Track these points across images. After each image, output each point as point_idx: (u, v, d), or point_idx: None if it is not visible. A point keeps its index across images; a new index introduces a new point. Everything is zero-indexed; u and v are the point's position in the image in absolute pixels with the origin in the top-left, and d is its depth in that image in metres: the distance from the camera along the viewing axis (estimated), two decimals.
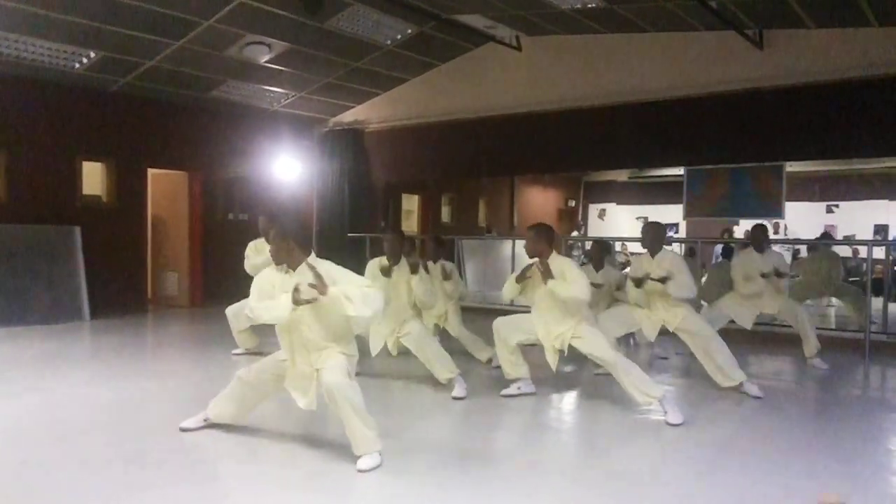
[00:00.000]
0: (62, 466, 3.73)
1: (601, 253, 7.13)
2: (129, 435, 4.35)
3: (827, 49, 7.98)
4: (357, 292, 3.78)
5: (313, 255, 4.00)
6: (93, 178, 9.65)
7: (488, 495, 3.46)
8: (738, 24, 7.95)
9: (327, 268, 3.93)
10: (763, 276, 6.45)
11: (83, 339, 7.97)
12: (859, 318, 8.04)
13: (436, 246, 7.01)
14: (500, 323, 5.42)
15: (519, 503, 3.38)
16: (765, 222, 7.09)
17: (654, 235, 5.77)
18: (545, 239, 5.15)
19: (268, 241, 4.79)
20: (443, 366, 5.41)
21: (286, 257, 3.96)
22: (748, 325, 6.65)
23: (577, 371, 6.37)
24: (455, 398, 5.26)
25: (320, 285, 3.76)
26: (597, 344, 5.02)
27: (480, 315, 9.52)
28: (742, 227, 12.74)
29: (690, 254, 9.52)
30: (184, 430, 4.32)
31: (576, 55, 9.63)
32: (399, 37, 9.35)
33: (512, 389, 5.37)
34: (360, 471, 3.68)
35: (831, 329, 8.39)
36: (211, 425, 4.34)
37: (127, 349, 7.37)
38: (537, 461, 4.07)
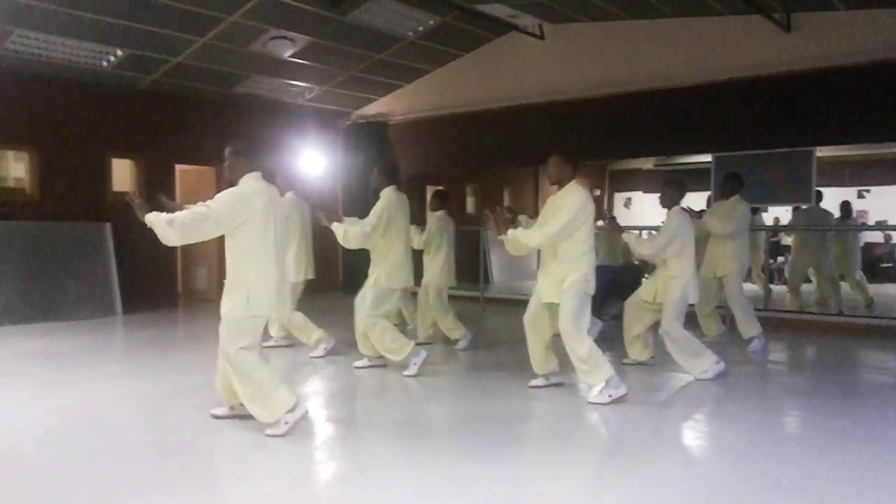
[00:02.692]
0: (97, 459, 3.81)
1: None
2: (163, 427, 4.43)
3: (856, 31, 7.81)
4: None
5: (258, 175, 4.23)
6: (122, 174, 9.80)
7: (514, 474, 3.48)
8: (765, 8, 7.82)
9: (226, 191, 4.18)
10: None
11: (116, 333, 8.12)
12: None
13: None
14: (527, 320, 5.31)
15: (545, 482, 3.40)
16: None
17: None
18: (571, 165, 5.02)
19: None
20: None
21: (237, 173, 4.24)
22: None
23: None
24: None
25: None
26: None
27: (506, 306, 9.53)
28: (771, 214, 12.56)
29: None
30: (215, 416, 4.44)
31: (599, 42, 9.54)
32: (421, 28, 9.34)
33: (540, 381, 5.36)
34: None
35: (867, 317, 8.27)
36: (237, 413, 4.38)
37: (159, 343, 7.50)
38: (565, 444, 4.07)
